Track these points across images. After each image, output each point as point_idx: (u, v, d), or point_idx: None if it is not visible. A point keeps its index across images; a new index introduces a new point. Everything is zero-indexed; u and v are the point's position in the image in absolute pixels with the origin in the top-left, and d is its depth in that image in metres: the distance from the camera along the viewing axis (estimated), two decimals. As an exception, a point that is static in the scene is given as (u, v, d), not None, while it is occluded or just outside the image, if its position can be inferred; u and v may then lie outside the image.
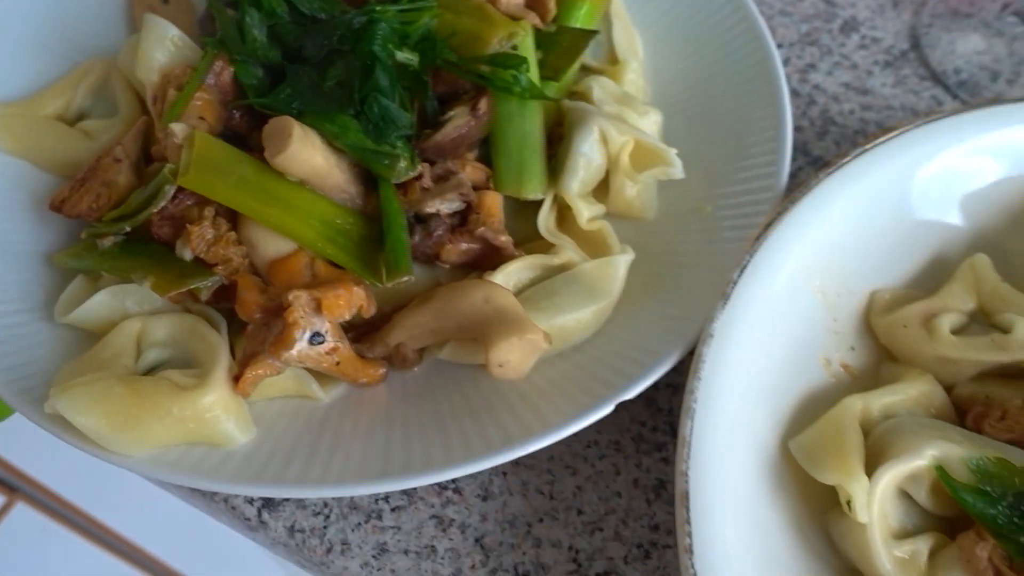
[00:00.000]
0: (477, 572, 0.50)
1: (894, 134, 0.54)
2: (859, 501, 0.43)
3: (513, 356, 0.46)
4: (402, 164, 0.51)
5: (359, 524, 0.52)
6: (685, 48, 0.65)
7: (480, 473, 0.53)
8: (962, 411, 0.49)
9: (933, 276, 0.54)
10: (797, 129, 0.69)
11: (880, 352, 0.53)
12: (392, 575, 0.50)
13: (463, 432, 0.47)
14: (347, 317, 0.47)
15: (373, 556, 0.51)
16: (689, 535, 0.41)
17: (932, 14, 0.74)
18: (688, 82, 0.63)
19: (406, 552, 0.51)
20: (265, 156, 0.49)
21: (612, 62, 0.63)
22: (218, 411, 0.45)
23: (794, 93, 0.71)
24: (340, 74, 0.52)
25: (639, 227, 0.58)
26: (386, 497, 0.52)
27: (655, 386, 0.54)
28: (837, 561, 0.46)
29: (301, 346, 0.47)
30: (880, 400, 0.48)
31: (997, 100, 0.56)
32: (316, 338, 0.47)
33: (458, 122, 0.52)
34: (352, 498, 0.52)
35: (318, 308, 0.46)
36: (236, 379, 0.46)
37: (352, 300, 0.47)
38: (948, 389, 0.50)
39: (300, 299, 0.46)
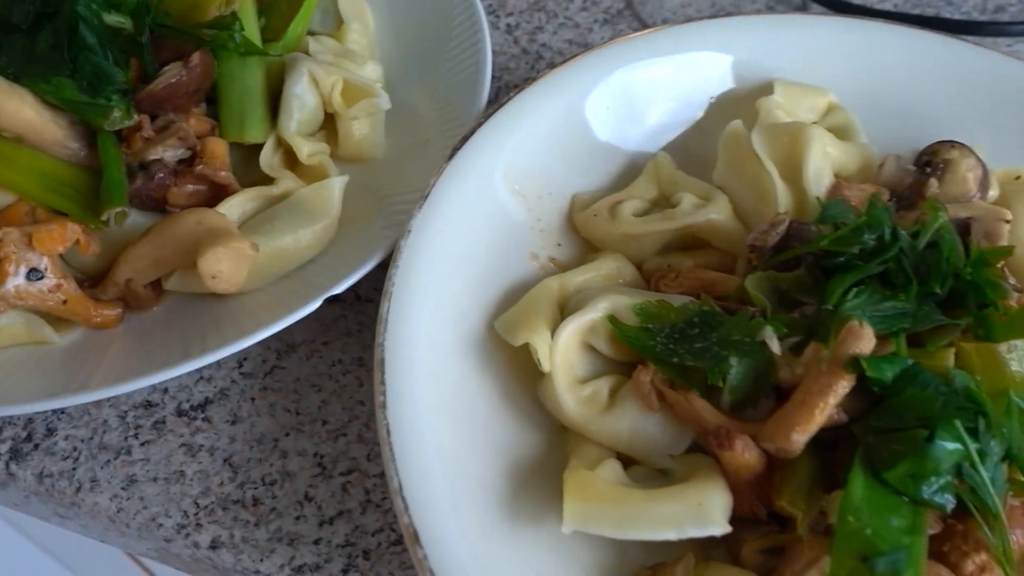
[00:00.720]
0: (225, 488, 0.52)
1: (576, 58, 0.61)
2: (542, 353, 0.48)
3: (223, 266, 0.49)
4: (116, 114, 0.54)
5: (108, 461, 0.53)
6: (410, 13, 0.71)
7: (229, 400, 0.56)
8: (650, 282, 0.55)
9: (629, 180, 0.61)
10: (526, 81, 0.75)
11: (585, 246, 0.59)
12: (141, 502, 0.52)
13: (186, 348, 0.50)
14: (61, 251, 0.50)
15: (122, 488, 0.52)
16: (383, 394, 0.45)
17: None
18: (412, 41, 0.69)
19: (155, 480, 0.53)
20: (-29, 113, 0.51)
21: (340, 27, 0.69)
22: (-70, 351, 0.47)
23: (524, 52, 0.78)
24: (50, 38, 0.55)
25: (370, 167, 0.63)
26: (135, 433, 0.54)
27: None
28: (547, 421, 0.51)
29: (18, 282, 0.49)
30: (576, 278, 0.54)
31: (667, 24, 0.64)
32: (33, 274, 0.49)
33: (170, 74, 0.56)
34: (101, 437, 0.54)
35: (29, 243, 0.49)
36: (-49, 320, 0.48)
37: (66, 234, 0.49)
38: (639, 266, 0.56)
39: (11, 235, 0.48)
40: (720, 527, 0.42)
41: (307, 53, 0.63)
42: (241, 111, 0.58)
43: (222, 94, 0.59)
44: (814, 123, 0.59)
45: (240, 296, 0.53)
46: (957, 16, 0.80)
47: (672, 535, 0.41)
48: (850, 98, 0.63)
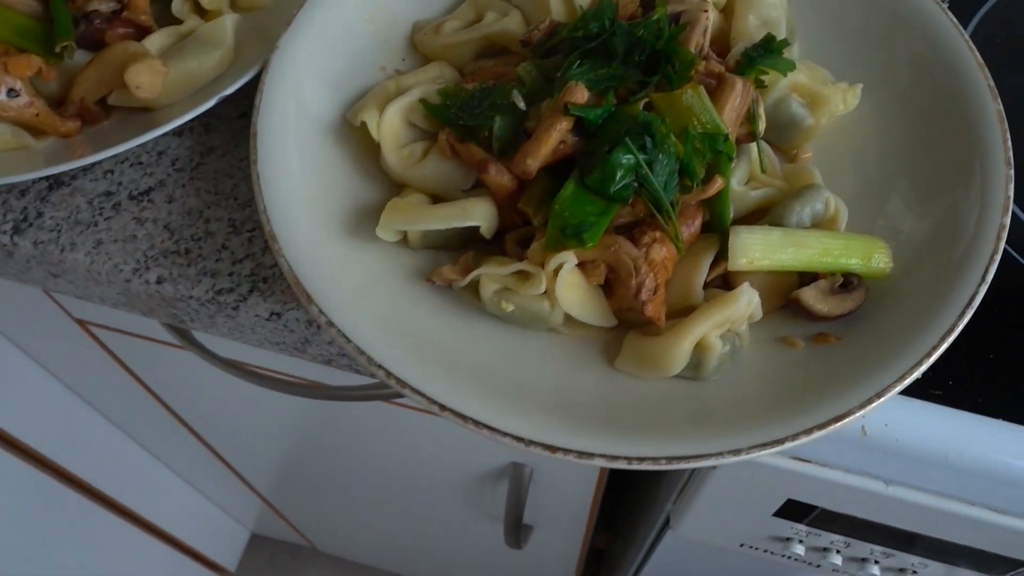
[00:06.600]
0: (165, 244, 0.73)
1: (414, -87, 0.78)
2: (371, 126, 0.68)
3: (143, 79, 0.69)
4: (61, -22, 0.73)
5: (81, 231, 0.74)
6: None
7: (166, 187, 0.76)
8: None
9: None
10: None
11: (422, 60, 0.78)
12: (107, 256, 0.73)
13: (129, 137, 0.70)
14: (29, 74, 0.69)
15: (93, 248, 0.73)
16: (255, 152, 0.65)
17: None
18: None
19: (115, 241, 0.74)
20: (-46, -21, 0.70)
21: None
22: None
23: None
24: (6, -80, 0.73)
25: (262, 13, 0.81)
26: (100, 211, 0.75)
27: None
28: (385, 180, 0.71)
29: (1, 99, 0.69)
30: (408, 79, 0.73)
31: None
32: (11, 93, 0.69)
33: (100, -57, 0.75)
34: (76, 216, 0.75)
35: (5, 69, 0.68)
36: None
37: (31, 63, 0.69)
38: (461, 71, 0.75)
39: (-9, 64, 0.68)
40: (475, 222, 0.62)
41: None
42: (156, -29, 0.77)
43: (140, -41, 0.78)
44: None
45: (161, 108, 0.73)
46: None
47: (441, 225, 0.62)
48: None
